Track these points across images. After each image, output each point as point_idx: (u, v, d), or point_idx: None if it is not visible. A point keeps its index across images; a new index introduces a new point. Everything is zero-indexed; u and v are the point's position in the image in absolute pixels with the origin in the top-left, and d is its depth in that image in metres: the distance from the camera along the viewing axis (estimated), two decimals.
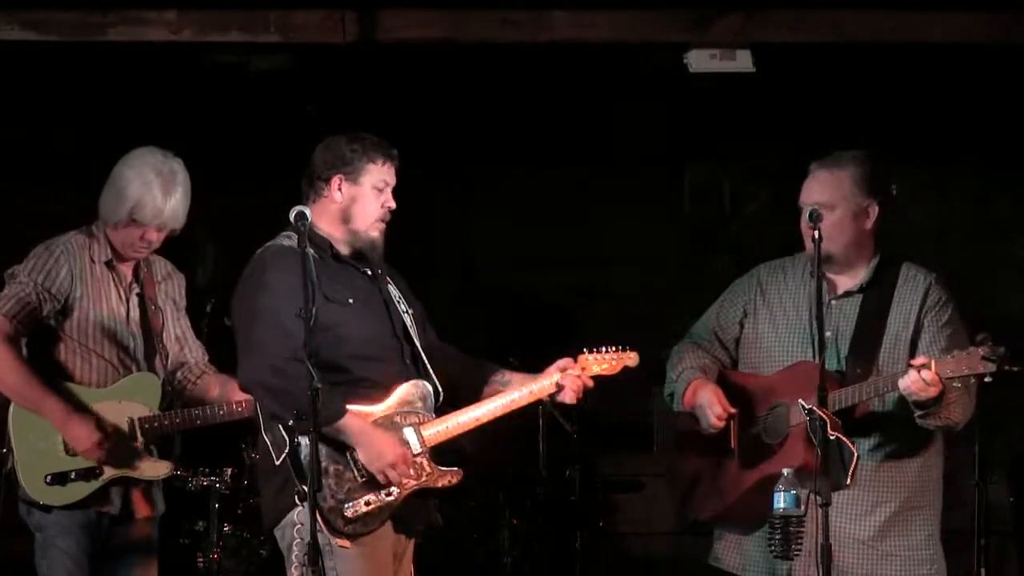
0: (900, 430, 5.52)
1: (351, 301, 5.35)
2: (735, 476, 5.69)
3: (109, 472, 5.83)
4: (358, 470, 5.24)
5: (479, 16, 7.38)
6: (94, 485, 5.81)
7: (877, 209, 5.61)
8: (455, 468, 5.40)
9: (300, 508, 5.10)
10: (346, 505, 5.20)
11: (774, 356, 5.71)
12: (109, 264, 5.95)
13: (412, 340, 5.46)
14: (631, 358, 5.65)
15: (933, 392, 5.26)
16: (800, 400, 5.33)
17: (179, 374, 6.10)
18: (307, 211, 5.17)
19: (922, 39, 7.47)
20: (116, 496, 5.87)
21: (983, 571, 6.85)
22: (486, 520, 7.65)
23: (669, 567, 8.29)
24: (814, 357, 5.55)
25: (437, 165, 7.71)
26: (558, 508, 7.70)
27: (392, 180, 5.46)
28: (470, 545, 7.66)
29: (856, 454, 5.34)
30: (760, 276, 5.84)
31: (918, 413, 5.38)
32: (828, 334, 5.56)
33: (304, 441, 5.08)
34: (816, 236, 5.34)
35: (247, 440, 6.92)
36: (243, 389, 5.47)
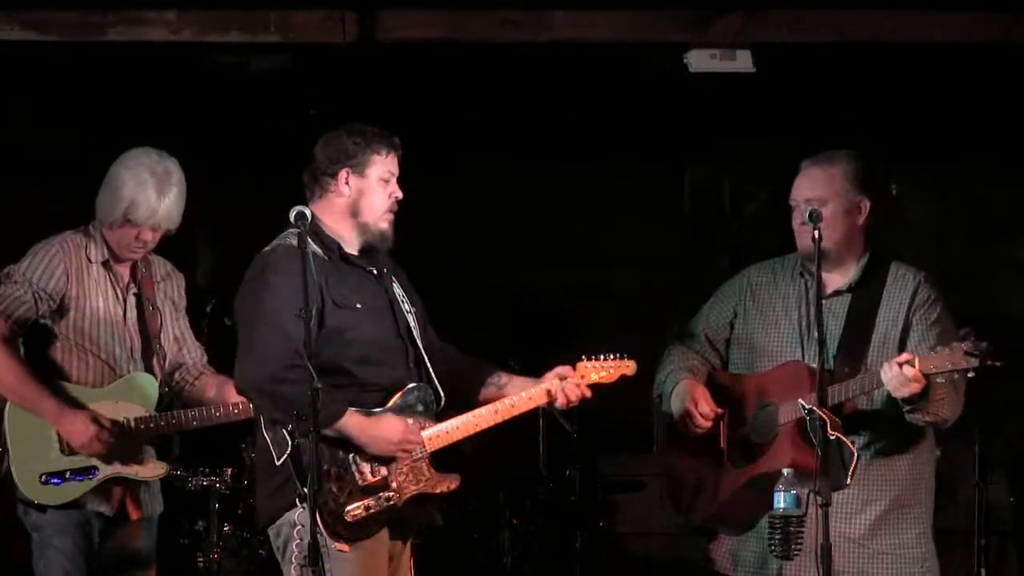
0: (889, 428, 5.52)
1: (358, 306, 5.34)
2: (724, 476, 5.70)
3: (105, 472, 5.83)
4: (359, 473, 5.24)
5: (479, 16, 7.38)
6: (89, 484, 5.81)
7: (869, 205, 5.62)
8: (454, 474, 5.40)
9: (300, 509, 5.10)
10: (346, 510, 5.19)
11: (764, 356, 5.71)
12: (106, 264, 5.95)
13: (415, 342, 5.46)
14: (629, 367, 5.65)
15: (916, 388, 5.27)
16: (800, 400, 5.34)
17: (177, 375, 6.10)
18: (307, 211, 5.17)
19: (922, 39, 7.47)
20: (112, 497, 5.87)
21: (983, 571, 6.85)
22: (486, 520, 7.65)
23: (669, 567, 8.29)
24: (803, 356, 5.57)
25: (437, 165, 7.71)
26: (558, 508, 7.70)
27: (396, 170, 5.46)
28: (470, 545, 7.66)
29: (856, 454, 5.34)
30: (750, 276, 5.85)
31: (905, 409, 5.39)
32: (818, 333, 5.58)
33: (306, 442, 5.09)
34: (816, 236, 5.34)
35: (247, 440, 6.92)
36: (239, 392, 5.46)
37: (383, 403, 5.33)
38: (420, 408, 5.38)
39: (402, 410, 5.34)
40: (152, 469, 5.95)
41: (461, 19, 7.39)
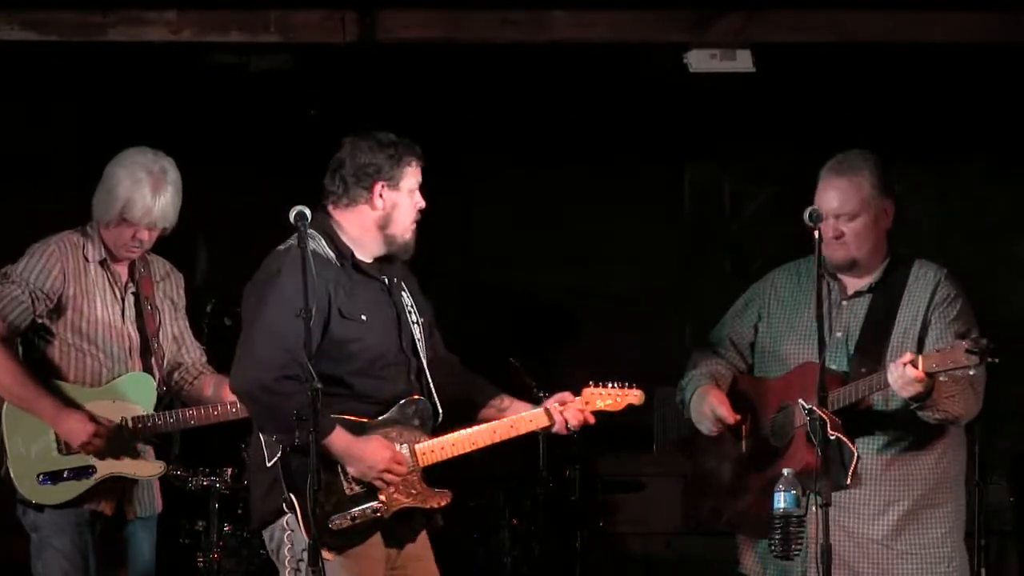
0: (908, 427, 5.50)
1: (364, 318, 5.29)
2: (745, 480, 5.69)
3: (102, 471, 5.83)
4: (347, 483, 5.22)
5: (479, 16, 7.38)
6: (87, 484, 5.81)
7: (892, 208, 5.62)
8: (445, 490, 5.36)
9: (289, 515, 5.11)
10: (332, 518, 5.17)
11: (789, 359, 5.70)
12: (103, 263, 5.94)
13: (419, 355, 5.41)
14: (636, 396, 5.61)
15: (920, 388, 5.27)
16: (800, 400, 5.33)
17: (176, 375, 6.10)
18: (307, 211, 5.13)
19: (922, 39, 7.47)
20: (109, 497, 5.87)
21: (983, 571, 6.84)
22: (486, 520, 7.65)
23: (669, 567, 8.30)
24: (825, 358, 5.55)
25: (437, 165, 7.71)
26: (558, 508, 7.70)
27: (420, 179, 5.43)
28: (470, 545, 7.66)
29: (856, 454, 5.34)
30: (775, 279, 5.83)
31: (913, 406, 5.38)
32: (839, 335, 5.59)
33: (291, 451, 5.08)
34: (817, 236, 5.33)
35: (247, 440, 6.89)
36: (233, 391, 5.45)
37: (380, 415, 5.30)
38: (416, 422, 5.34)
39: (396, 423, 5.31)
40: (150, 468, 5.94)
41: (461, 19, 7.39)
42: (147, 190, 5.86)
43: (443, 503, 5.36)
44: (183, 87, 7.91)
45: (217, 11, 7.33)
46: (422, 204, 5.42)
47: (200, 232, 8.00)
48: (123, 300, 5.98)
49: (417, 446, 5.32)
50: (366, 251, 5.39)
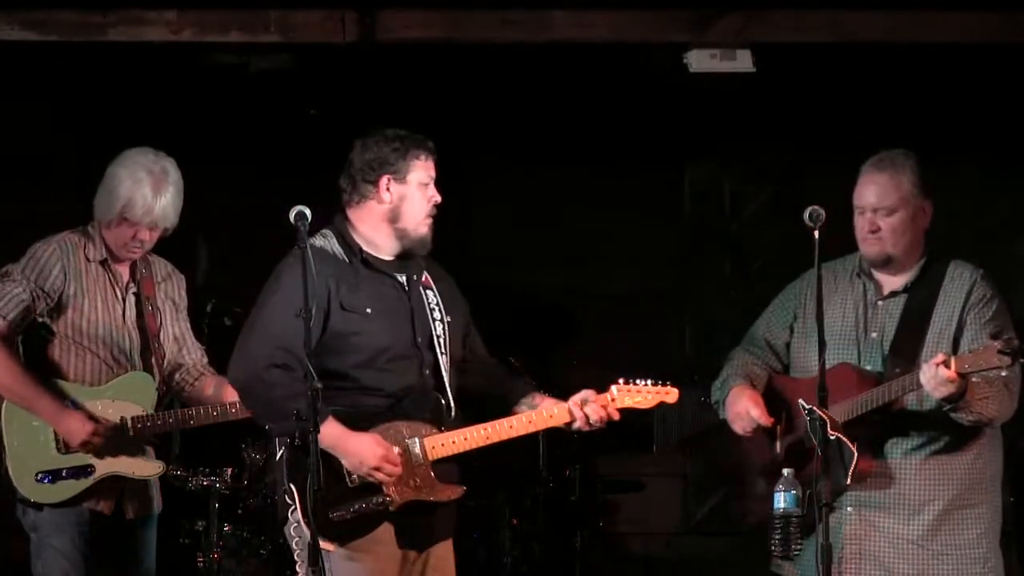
0: (942, 427, 5.47)
1: (368, 311, 5.28)
2: None
3: (101, 470, 5.83)
4: (349, 475, 5.22)
5: (479, 16, 7.38)
6: (85, 483, 5.81)
7: (931, 209, 5.63)
8: (458, 485, 5.33)
9: (293, 506, 5.12)
10: (334, 509, 5.15)
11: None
12: (104, 263, 5.95)
13: (435, 350, 5.38)
14: (671, 394, 5.54)
15: (952, 389, 5.25)
16: (800, 400, 5.33)
17: (177, 375, 6.10)
18: (307, 211, 5.14)
19: (922, 39, 7.47)
20: (108, 496, 5.86)
21: None
22: (486, 520, 7.64)
23: (669, 567, 8.30)
24: (858, 358, 5.54)
25: (437, 165, 7.71)
26: (558, 508, 7.70)
27: (433, 174, 5.42)
28: (470, 545, 7.66)
29: (856, 454, 5.33)
30: (810, 278, 5.80)
31: (946, 407, 5.36)
32: (874, 335, 5.58)
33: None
34: (816, 236, 5.33)
35: (247, 440, 6.92)
36: (231, 383, 5.46)
37: (386, 408, 5.29)
38: (427, 416, 5.32)
39: (406, 416, 5.29)
40: (149, 468, 5.94)
41: (461, 19, 7.40)
42: (148, 190, 5.86)
43: (454, 496, 5.33)
44: (183, 87, 7.91)
45: (217, 11, 7.33)
46: (437, 198, 5.41)
47: (200, 232, 8.00)
48: (124, 300, 5.98)
49: (427, 440, 5.30)
50: (381, 248, 5.38)
